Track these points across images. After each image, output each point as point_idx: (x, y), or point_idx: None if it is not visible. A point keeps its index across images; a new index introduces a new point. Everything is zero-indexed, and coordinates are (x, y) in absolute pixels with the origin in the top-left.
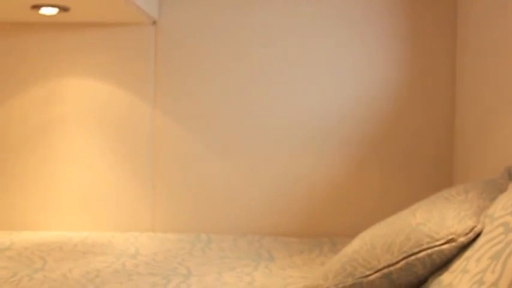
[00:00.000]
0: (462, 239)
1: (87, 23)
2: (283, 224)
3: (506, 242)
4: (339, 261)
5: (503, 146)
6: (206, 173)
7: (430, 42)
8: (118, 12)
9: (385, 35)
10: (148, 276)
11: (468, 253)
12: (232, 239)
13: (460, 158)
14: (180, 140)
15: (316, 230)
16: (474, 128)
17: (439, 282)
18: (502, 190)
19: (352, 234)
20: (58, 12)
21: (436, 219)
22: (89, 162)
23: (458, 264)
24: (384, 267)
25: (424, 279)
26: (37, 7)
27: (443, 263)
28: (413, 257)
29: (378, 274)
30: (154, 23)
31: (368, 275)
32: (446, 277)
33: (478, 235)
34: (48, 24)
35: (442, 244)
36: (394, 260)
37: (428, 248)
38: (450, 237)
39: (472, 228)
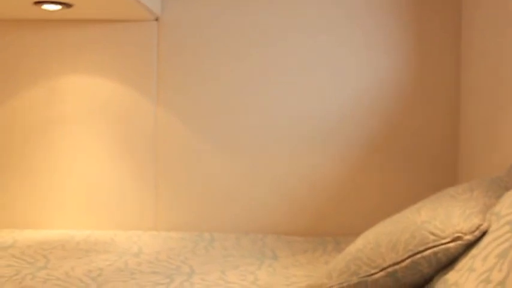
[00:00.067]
0: (468, 237)
1: (90, 20)
2: (286, 222)
3: None
4: (343, 260)
5: (508, 144)
6: (209, 171)
7: (434, 41)
8: (121, 8)
9: (388, 34)
10: (151, 274)
11: (474, 251)
12: (235, 237)
13: (465, 157)
14: (182, 137)
15: (320, 229)
16: (479, 127)
17: (444, 281)
18: (507, 188)
19: (355, 233)
20: (61, 9)
21: (441, 217)
22: (92, 160)
23: (464, 263)
24: (389, 266)
25: (430, 278)
26: (40, 3)
27: (449, 262)
28: (418, 256)
29: (382, 273)
30: (156, 19)
31: (373, 274)
32: (452, 276)
33: (484, 233)
34: (51, 21)
35: (448, 242)
36: (399, 259)
37: (434, 246)
38: (456, 235)
39: (478, 226)
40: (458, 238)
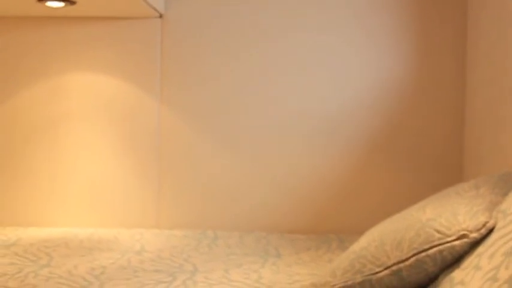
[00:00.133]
0: (474, 235)
1: (93, 17)
2: (290, 221)
3: None
4: (347, 258)
5: None
6: (212, 169)
7: (439, 41)
8: (124, 5)
9: (391, 33)
10: (154, 272)
11: (480, 249)
12: (239, 235)
13: (470, 158)
14: (186, 135)
15: (323, 227)
16: (484, 127)
17: (450, 280)
18: None
19: (359, 231)
20: (64, 6)
21: (447, 215)
22: (95, 158)
23: (470, 261)
24: (394, 264)
25: (435, 277)
26: (43, 0)
27: (455, 260)
28: (423, 254)
29: (387, 271)
30: (160, 16)
31: (377, 272)
32: (457, 274)
33: (490, 231)
34: (54, 18)
35: (454, 240)
36: (404, 257)
37: (439, 244)
38: (462, 233)
39: (485, 224)
40: (464, 236)
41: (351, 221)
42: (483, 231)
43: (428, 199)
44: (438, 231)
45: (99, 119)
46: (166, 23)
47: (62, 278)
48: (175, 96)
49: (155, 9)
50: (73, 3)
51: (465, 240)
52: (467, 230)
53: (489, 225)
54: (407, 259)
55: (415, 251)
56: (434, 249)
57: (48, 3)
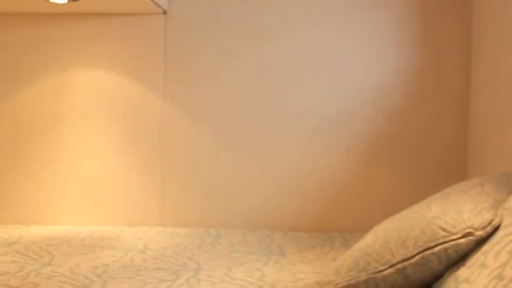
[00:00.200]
0: (480, 233)
1: (96, 13)
2: (293, 219)
3: None
4: (351, 256)
5: None
6: (216, 167)
7: (443, 37)
8: (128, 2)
9: (395, 30)
10: (157, 271)
11: (486, 247)
12: (242, 233)
13: (474, 157)
14: (189, 132)
15: (326, 226)
16: (488, 126)
17: (455, 278)
18: None
19: (363, 229)
20: (68, 2)
21: (452, 213)
22: (98, 156)
23: (475, 259)
24: (399, 262)
25: (440, 275)
26: None
27: (460, 258)
28: (428, 252)
29: (392, 269)
30: (164, 13)
31: (382, 270)
32: (463, 272)
33: (496, 229)
34: (58, 14)
35: (459, 238)
36: (409, 255)
37: (444, 242)
38: (467, 230)
39: (490, 222)
40: (469, 234)
41: (354, 220)
42: (489, 229)
43: (433, 197)
44: (443, 229)
45: (102, 116)
46: (169, 20)
47: (64, 276)
48: (178, 92)
49: (159, 6)
50: None
51: (470, 238)
52: (473, 228)
53: (495, 223)
54: (412, 257)
55: (420, 249)
56: (440, 247)
57: (52, 0)
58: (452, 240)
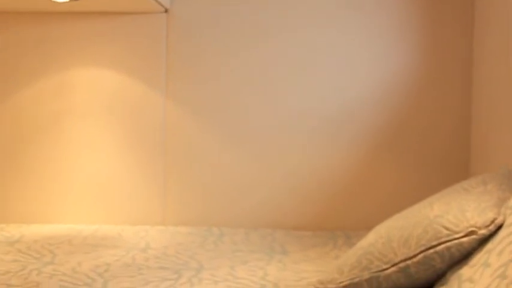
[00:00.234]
0: (483, 232)
1: (98, 12)
2: (296, 217)
3: None
4: (354, 255)
5: None
6: (218, 165)
7: (445, 36)
8: (130, 0)
9: (396, 28)
10: (159, 270)
11: (489, 246)
12: (244, 232)
13: (477, 153)
14: (192, 131)
15: (329, 224)
16: (491, 123)
17: (458, 277)
18: None
19: (366, 228)
20: (69, 1)
21: (454, 211)
22: (99, 154)
23: (478, 258)
24: (401, 261)
25: (443, 274)
26: None
27: (463, 257)
28: (431, 250)
29: (394, 268)
30: (166, 11)
31: (385, 269)
32: (465, 271)
33: (499, 227)
34: (59, 13)
35: (462, 237)
36: (412, 254)
37: (447, 241)
38: (470, 229)
39: (493, 220)
40: (472, 232)
41: (357, 218)
42: (492, 227)
43: (435, 195)
44: (446, 228)
45: (104, 115)
46: (171, 18)
47: (65, 275)
48: (180, 91)
49: (160, 4)
50: None
51: (473, 236)
52: (476, 227)
53: (498, 221)
54: (414, 256)
55: (422, 248)
56: (442, 246)
57: None
58: (455, 239)
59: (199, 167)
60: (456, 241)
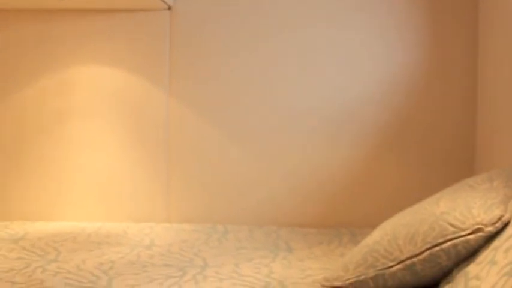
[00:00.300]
0: (490, 229)
1: (101, 9)
2: (300, 214)
3: None
4: (359, 252)
5: None
6: (222, 162)
7: (450, 32)
8: None
9: (401, 25)
10: (164, 267)
11: (496, 243)
12: (249, 229)
13: (482, 151)
14: (195, 128)
15: (333, 221)
16: (496, 121)
17: (465, 274)
18: None
19: (371, 225)
20: None
21: (461, 208)
22: (102, 152)
23: (485, 256)
24: (407, 259)
25: (449, 271)
26: None
27: (469, 254)
28: (437, 248)
29: (400, 265)
30: (169, 8)
31: (390, 267)
32: (472, 269)
33: (506, 225)
34: (63, 11)
35: (468, 234)
36: (418, 251)
37: (453, 238)
38: (477, 226)
39: (500, 218)
40: (479, 230)
41: (362, 215)
42: (498, 225)
43: (441, 192)
44: (452, 225)
45: (107, 112)
46: (175, 15)
47: (70, 273)
48: (184, 88)
49: (164, 1)
50: None
51: (480, 234)
52: (482, 224)
53: (504, 218)
54: (420, 253)
55: (428, 245)
56: (449, 243)
57: None
58: (462, 236)
59: (202, 164)
60: (462, 238)
